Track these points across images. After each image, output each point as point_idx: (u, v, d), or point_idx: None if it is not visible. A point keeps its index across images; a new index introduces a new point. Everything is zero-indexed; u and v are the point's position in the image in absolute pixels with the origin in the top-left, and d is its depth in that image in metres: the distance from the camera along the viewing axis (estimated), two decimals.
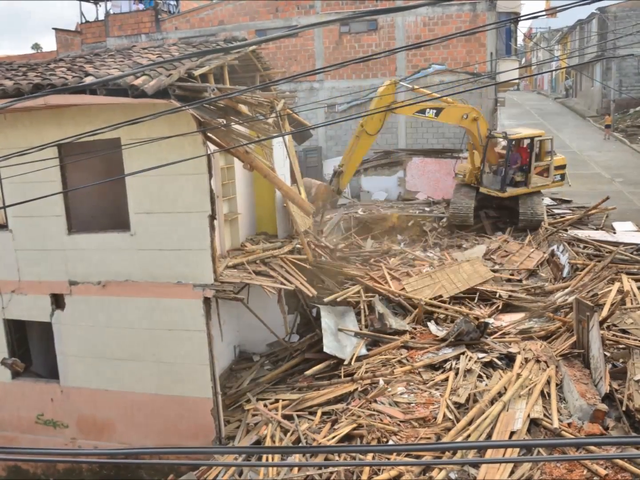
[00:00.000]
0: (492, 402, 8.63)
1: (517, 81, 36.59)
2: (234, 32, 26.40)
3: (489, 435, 7.99)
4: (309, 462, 8.15)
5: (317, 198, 16.35)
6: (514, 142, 18.11)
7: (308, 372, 10.69)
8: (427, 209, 20.83)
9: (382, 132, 25.07)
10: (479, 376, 9.70)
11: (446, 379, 9.68)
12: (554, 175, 18.66)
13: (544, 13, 31.68)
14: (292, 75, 15.03)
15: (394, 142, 25.12)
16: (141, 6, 29.21)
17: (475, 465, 7.51)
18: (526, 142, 18.35)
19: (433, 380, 9.81)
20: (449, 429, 8.28)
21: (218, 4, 27.23)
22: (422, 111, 17.31)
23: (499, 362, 9.99)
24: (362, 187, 24.18)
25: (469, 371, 9.80)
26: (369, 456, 7.96)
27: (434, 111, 17.29)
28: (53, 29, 31.61)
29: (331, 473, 7.95)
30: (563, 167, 19.10)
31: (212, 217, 9.30)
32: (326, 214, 17.72)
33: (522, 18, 6.14)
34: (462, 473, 7.50)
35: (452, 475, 7.40)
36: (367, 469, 7.73)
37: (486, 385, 9.30)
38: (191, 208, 9.37)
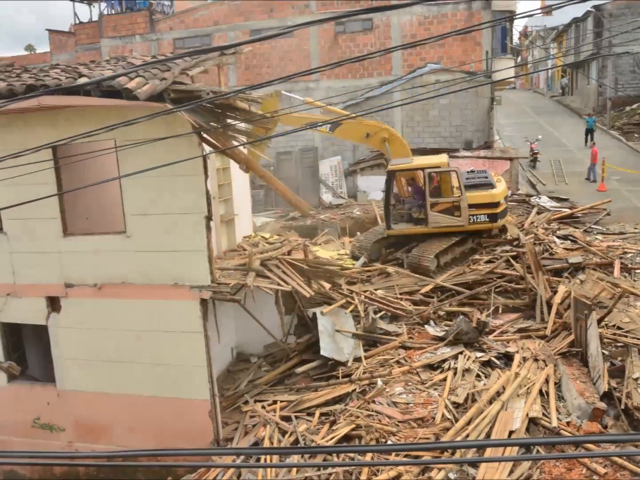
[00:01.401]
0: (490, 402, 8.61)
1: (512, 80, 36.63)
2: (228, 32, 26.37)
3: (488, 435, 7.97)
4: (307, 462, 8.11)
5: None
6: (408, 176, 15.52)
7: (298, 370, 10.66)
8: None
9: None
10: (477, 375, 9.68)
11: (444, 379, 9.66)
12: (475, 215, 14.90)
13: (539, 11, 31.68)
14: (288, 75, 15.02)
15: None
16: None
17: (475, 464, 7.49)
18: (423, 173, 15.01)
19: (431, 380, 9.79)
20: (447, 429, 8.25)
21: (212, 4, 27.18)
22: (314, 123, 15.66)
23: (497, 362, 9.97)
24: (359, 186, 24.16)
25: (467, 371, 9.78)
26: (368, 456, 7.94)
27: (329, 125, 15.81)
28: (47, 30, 31.50)
29: (330, 474, 7.93)
30: (494, 205, 14.93)
31: (208, 218, 9.26)
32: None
33: (517, 16, 6.11)
34: (461, 473, 7.47)
35: (452, 475, 7.38)
36: (365, 469, 7.70)
37: (484, 384, 9.28)
38: (187, 209, 9.32)
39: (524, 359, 9.87)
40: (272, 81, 13.76)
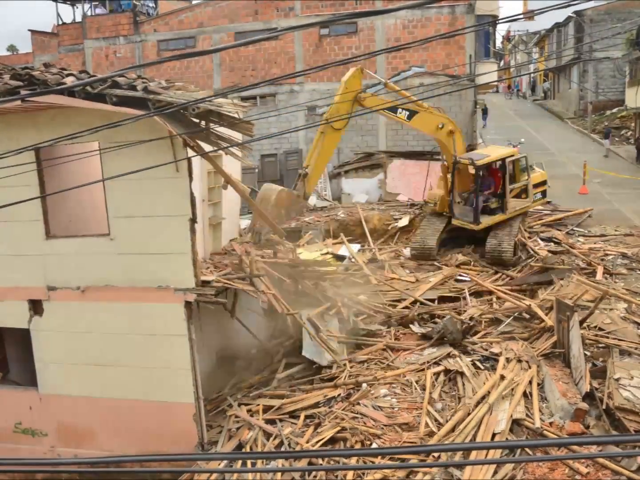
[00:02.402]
0: (476, 404, 8.66)
1: (495, 83, 36.95)
2: (213, 34, 26.32)
3: (474, 437, 8.02)
4: (292, 467, 8.11)
5: (279, 205, 13.73)
6: (484, 167, 15.66)
7: (280, 375, 10.65)
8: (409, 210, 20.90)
9: (363, 133, 25.25)
10: (463, 377, 9.73)
11: (434, 380, 9.67)
12: (534, 194, 16.62)
13: (521, 16, 31.95)
14: (272, 78, 15.03)
15: (374, 144, 25.19)
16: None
17: (460, 466, 7.53)
18: (498, 164, 15.91)
19: (417, 382, 9.81)
20: (433, 433, 8.28)
21: (197, 6, 27.11)
22: (394, 110, 15.10)
23: (480, 366, 10.01)
24: (343, 189, 24.22)
25: (453, 372, 9.82)
26: (353, 460, 7.95)
27: (407, 113, 15.16)
28: (29, 30, 31.19)
29: (314, 477, 7.92)
30: (543, 183, 17.19)
31: (193, 221, 9.23)
32: (291, 221, 16.15)
33: (500, 21, 6.18)
34: (447, 474, 7.51)
35: (437, 478, 7.41)
36: (350, 472, 7.72)
37: (473, 389, 9.31)
38: (171, 212, 9.28)
39: (508, 360, 9.94)
40: (258, 83, 13.80)
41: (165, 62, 26.61)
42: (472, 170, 15.59)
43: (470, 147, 24.19)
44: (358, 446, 8.25)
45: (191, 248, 9.27)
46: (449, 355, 10.32)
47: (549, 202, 20.80)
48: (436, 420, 8.61)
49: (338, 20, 23.17)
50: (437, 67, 23.85)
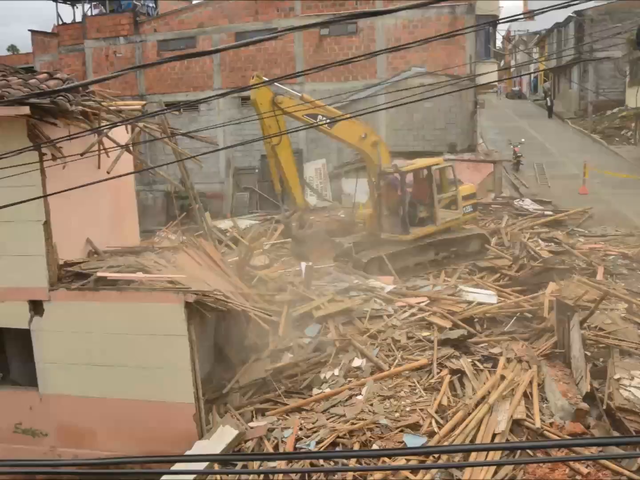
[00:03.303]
0: (476, 405, 8.65)
1: (496, 83, 36.96)
2: (213, 34, 26.31)
3: (474, 438, 8.02)
4: (292, 468, 8.09)
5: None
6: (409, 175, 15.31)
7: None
8: None
9: None
10: (464, 377, 9.72)
11: (436, 383, 9.64)
12: (464, 207, 15.72)
13: (522, 16, 32.00)
14: (273, 78, 14.99)
15: None
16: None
17: (460, 467, 7.53)
18: (425, 172, 15.43)
19: (420, 383, 9.78)
20: (433, 434, 8.27)
21: (197, 6, 27.10)
22: (314, 116, 14.95)
23: (481, 366, 10.00)
24: (344, 190, 24.19)
25: (455, 372, 9.81)
26: (352, 461, 7.93)
27: (328, 120, 15.01)
28: (29, 30, 31.20)
29: (315, 479, 7.91)
30: (472, 196, 16.21)
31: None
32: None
33: (500, 21, 6.18)
34: (447, 474, 7.51)
35: (437, 478, 7.41)
36: (350, 474, 7.71)
37: (473, 389, 9.30)
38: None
39: (508, 361, 9.93)
40: (258, 84, 13.77)
41: (166, 63, 26.59)
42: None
43: (471, 148, 24.21)
44: (358, 447, 8.23)
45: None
46: (451, 356, 10.30)
47: (548, 202, 20.83)
48: (437, 421, 8.59)
49: (338, 21, 23.13)
50: (438, 67, 23.81)
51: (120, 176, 8.68)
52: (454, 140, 24.54)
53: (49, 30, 31.91)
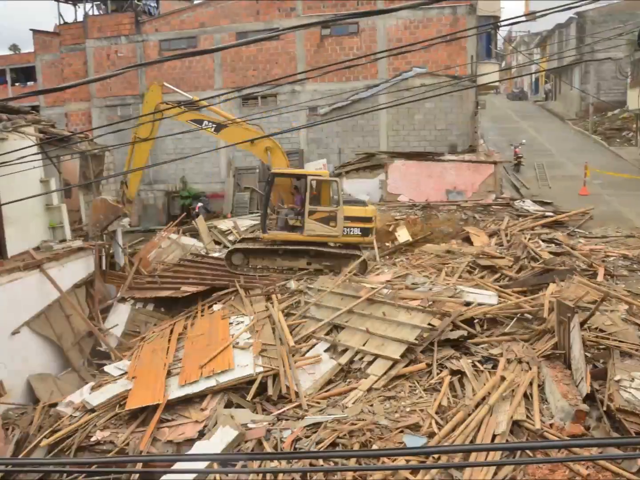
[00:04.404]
0: (476, 406, 8.65)
1: (497, 84, 36.96)
2: (214, 34, 26.33)
3: (474, 439, 8.01)
4: (292, 468, 8.08)
5: (96, 212, 15.85)
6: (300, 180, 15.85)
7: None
8: (409, 210, 20.92)
9: (364, 134, 25.30)
10: (463, 378, 9.71)
11: (437, 384, 9.64)
12: (349, 228, 15.47)
13: (523, 19, 32.10)
14: (273, 78, 15.06)
15: (376, 145, 25.20)
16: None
17: (460, 467, 7.52)
18: (304, 181, 15.55)
19: (420, 384, 9.79)
20: (433, 434, 8.27)
21: (198, 6, 27.12)
22: (200, 122, 15.72)
23: (481, 367, 10.00)
24: (345, 190, 24.19)
25: (456, 373, 9.80)
26: (352, 461, 7.93)
27: (214, 125, 15.61)
28: (30, 30, 31.21)
29: (314, 479, 7.90)
30: (366, 219, 15.64)
31: None
32: (110, 227, 16.75)
33: (502, 24, 6.18)
34: (447, 475, 7.50)
35: (437, 478, 7.40)
36: (350, 473, 7.70)
37: (473, 390, 9.30)
38: None
39: (509, 361, 9.92)
40: (258, 85, 13.81)
41: (167, 62, 26.63)
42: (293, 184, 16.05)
43: (472, 148, 24.21)
44: (357, 447, 8.23)
45: None
46: (451, 357, 10.30)
47: (548, 203, 20.81)
48: (437, 422, 8.59)
49: (339, 20, 23.13)
50: (439, 67, 23.84)
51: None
52: (454, 140, 24.56)
53: (51, 30, 31.92)
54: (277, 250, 15.80)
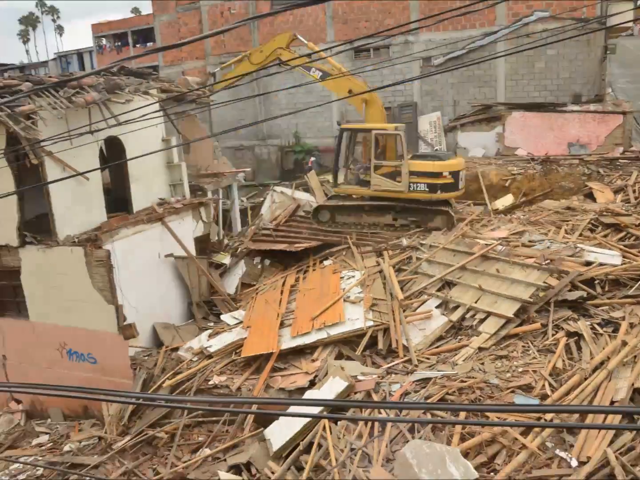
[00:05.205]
0: (594, 370, 8.32)
1: (631, 24, 33.86)
2: None
3: (590, 404, 7.74)
4: (401, 417, 8.22)
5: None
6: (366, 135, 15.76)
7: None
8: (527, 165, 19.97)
9: (480, 84, 24.27)
10: (581, 341, 9.35)
11: (552, 345, 9.36)
12: (416, 184, 14.95)
13: None
14: (386, 29, 14.73)
15: (493, 96, 24.10)
16: None
17: (573, 433, 7.31)
18: (369, 135, 15.43)
19: (534, 344, 9.54)
20: (546, 397, 8.08)
21: None
22: (308, 68, 15.93)
23: (600, 329, 9.53)
24: (459, 143, 23.50)
25: (572, 335, 9.45)
26: (461, 416, 7.93)
27: (320, 73, 15.83)
28: None
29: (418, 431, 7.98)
30: (436, 175, 14.87)
31: None
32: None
33: None
34: (559, 440, 7.34)
35: (549, 442, 7.26)
36: (458, 429, 7.74)
37: (590, 354, 8.93)
38: None
39: (631, 326, 9.41)
40: (370, 36, 13.58)
41: (279, 17, 26.78)
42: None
43: (598, 98, 22.53)
44: (467, 403, 8.22)
45: None
46: (568, 318, 9.91)
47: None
48: (550, 384, 8.37)
49: None
50: (563, 9, 22.13)
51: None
52: (579, 90, 22.91)
53: None
54: (363, 207, 15.82)
